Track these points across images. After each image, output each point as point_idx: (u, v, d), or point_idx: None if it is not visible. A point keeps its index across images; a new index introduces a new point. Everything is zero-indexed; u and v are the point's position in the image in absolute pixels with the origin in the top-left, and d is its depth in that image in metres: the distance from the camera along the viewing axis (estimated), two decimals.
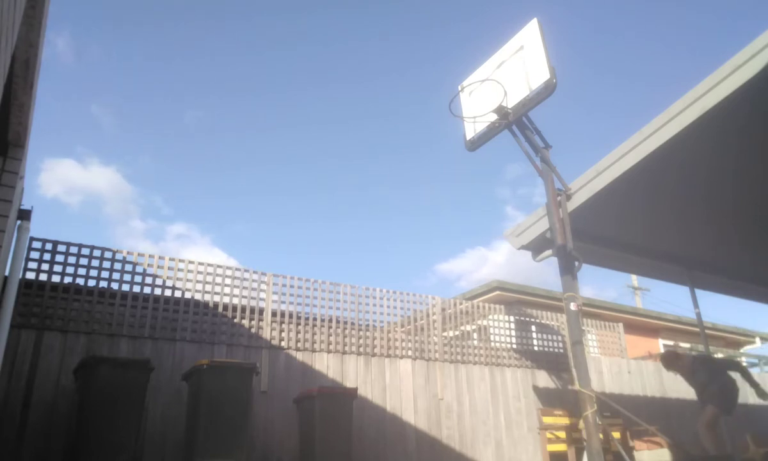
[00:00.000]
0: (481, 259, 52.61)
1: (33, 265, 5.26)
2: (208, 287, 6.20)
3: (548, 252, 6.24)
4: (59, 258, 5.40)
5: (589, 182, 5.82)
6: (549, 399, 8.23)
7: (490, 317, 8.43)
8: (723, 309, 73.41)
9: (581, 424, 5.51)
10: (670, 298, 46.63)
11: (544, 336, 8.86)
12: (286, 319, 6.56)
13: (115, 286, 5.66)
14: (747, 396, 11.42)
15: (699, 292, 8.47)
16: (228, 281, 6.35)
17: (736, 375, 7.19)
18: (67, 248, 5.47)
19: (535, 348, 8.67)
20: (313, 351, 6.60)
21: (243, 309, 6.32)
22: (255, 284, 6.51)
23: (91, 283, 5.52)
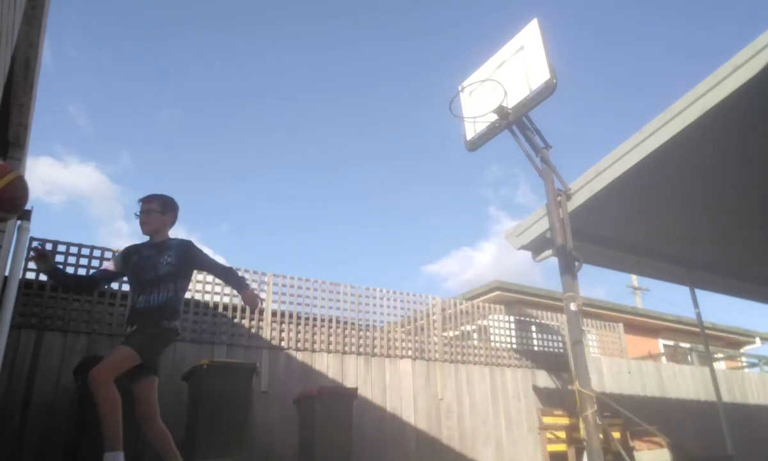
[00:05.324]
0: (467, 260, 52.62)
1: (33, 265, 5.25)
2: (208, 287, 6.21)
3: (548, 252, 6.24)
4: (59, 258, 5.40)
5: (589, 182, 5.82)
6: (549, 399, 8.23)
7: (490, 317, 8.43)
8: (723, 309, 73.37)
9: (581, 424, 5.51)
10: (670, 298, 46.62)
11: (544, 336, 8.86)
12: (286, 319, 6.56)
13: (115, 286, 5.66)
14: (747, 395, 11.43)
15: (699, 292, 8.47)
16: None
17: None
18: (67, 248, 5.47)
19: (535, 348, 8.67)
20: (313, 351, 6.60)
21: (243, 309, 6.32)
22: (255, 284, 6.51)
23: None
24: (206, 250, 3.59)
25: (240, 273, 6.41)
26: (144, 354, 3.04)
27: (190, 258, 3.41)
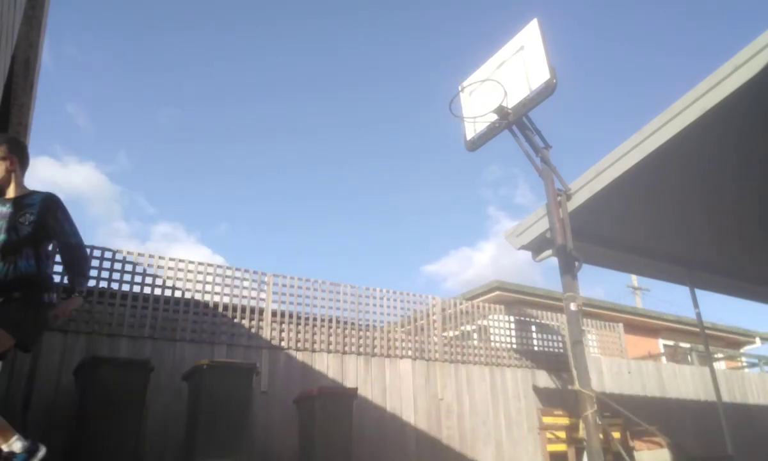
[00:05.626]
0: (466, 260, 52.81)
1: None
2: (208, 287, 6.20)
3: (548, 252, 6.24)
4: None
5: (589, 182, 5.82)
6: (549, 399, 8.23)
7: (490, 317, 8.43)
8: (723, 309, 73.39)
9: (581, 424, 5.51)
10: (670, 298, 46.62)
11: (544, 336, 8.86)
12: (286, 319, 6.56)
13: (115, 286, 5.67)
14: (747, 395, 11.43)
15: (699, 292, 8.47)
16: (228, 281, 6.35)
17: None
18: None
19: (535, 348, 8.67)
20: (313, 351, 6.60)
21: (243, 309, 6.32)
22: (255, 284, 6.51)
23: (91, 283, 5.51)
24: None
25: (240, 273, 6.52)
26: (18, 333, 2.50)
27: (48, 218, 2.74)
